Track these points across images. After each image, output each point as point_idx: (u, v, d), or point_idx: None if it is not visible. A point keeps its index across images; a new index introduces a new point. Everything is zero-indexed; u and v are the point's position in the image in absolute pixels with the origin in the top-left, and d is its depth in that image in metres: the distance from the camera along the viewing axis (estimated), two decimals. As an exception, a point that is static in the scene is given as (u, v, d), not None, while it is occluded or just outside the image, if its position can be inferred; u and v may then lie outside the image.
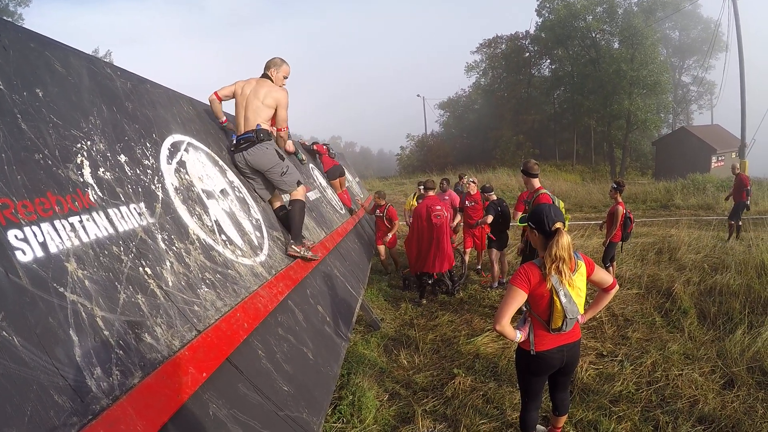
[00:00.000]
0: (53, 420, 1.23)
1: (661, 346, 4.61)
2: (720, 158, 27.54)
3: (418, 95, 58.33)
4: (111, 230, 1.90)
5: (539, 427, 3.27)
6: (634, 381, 4.00)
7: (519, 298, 2.52)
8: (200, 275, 2.36)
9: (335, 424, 3.42)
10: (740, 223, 10.24)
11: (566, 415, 3.12)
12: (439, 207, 6.35)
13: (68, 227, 1.68)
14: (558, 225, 2.52)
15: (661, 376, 4.05)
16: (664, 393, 3.81)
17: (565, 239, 2.49)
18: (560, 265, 2.48)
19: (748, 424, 3.32)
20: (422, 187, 6.89)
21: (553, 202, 4.98)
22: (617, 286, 2.84)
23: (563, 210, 4.93)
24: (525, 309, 2.73)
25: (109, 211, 1.96)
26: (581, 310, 2.64)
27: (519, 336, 2.65)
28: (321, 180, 7.46)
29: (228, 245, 2.86)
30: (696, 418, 3.43)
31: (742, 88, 17.21)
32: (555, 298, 2.50)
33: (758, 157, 18.44)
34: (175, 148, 2.93)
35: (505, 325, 2.52)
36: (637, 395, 3.79)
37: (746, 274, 6.12)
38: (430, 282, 6.63)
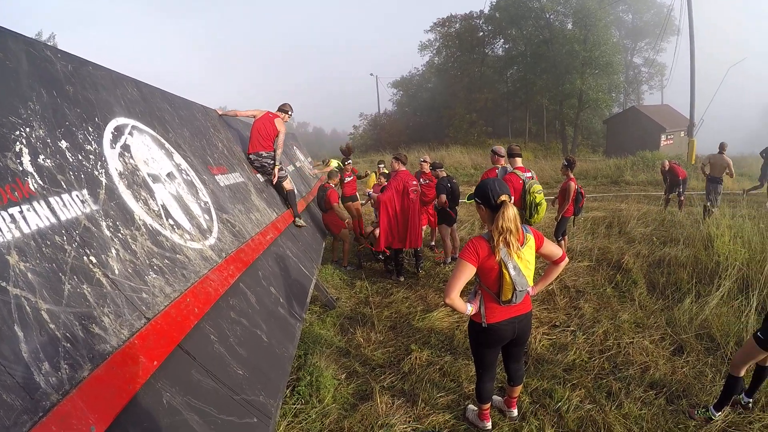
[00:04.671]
0: (4, 420, 1.22)
1: (612, 316, 4.80)
2: (669, 137, 28.43)
3: (371, 74, 57.34)
4: (53, 219, 1.84)
5: (495, 397, 3.40)
6: (586, 350, 4.16)
7: (467, 272, 2.58)
8: (147, 262, 2.33)
9: (294, 405, 3.44)
10: (682, 198, 10.46)
11: (521, 385, 3.22)
12: (414, 182, 6.41)
13: (8, 218, 1.62)
14: (503, 198, 2.55)
15: (612, 345, 4.22)
16: (616, 360, 3.98)
17: (511, 211, 2.54)
18: (508, 236, 2.53)
19: (698, 388, 3.53)
20: (395, 161, 6.64)
21: (524, 187, 5.16)
22: (567, 259, 2.93)
23: (536, 195, 5.08)
24: (476, 281, 2.79)
25: (51, 199, 1.89)
26: (530, 283, 2.72)
27: (470, 309, 2.72)
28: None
29: (176, 230, 2.82)
30: (647, 384, 3.62)
31: (692, 70, 17.84)
32: (504, 270, 2.56)
33: (706, 137, 19.40)
34: (119, 131, 2.81)
35: (455, 298, 2.58)
36: (590, 363, 3.94)
37: (693, 247, 6.31)
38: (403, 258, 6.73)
